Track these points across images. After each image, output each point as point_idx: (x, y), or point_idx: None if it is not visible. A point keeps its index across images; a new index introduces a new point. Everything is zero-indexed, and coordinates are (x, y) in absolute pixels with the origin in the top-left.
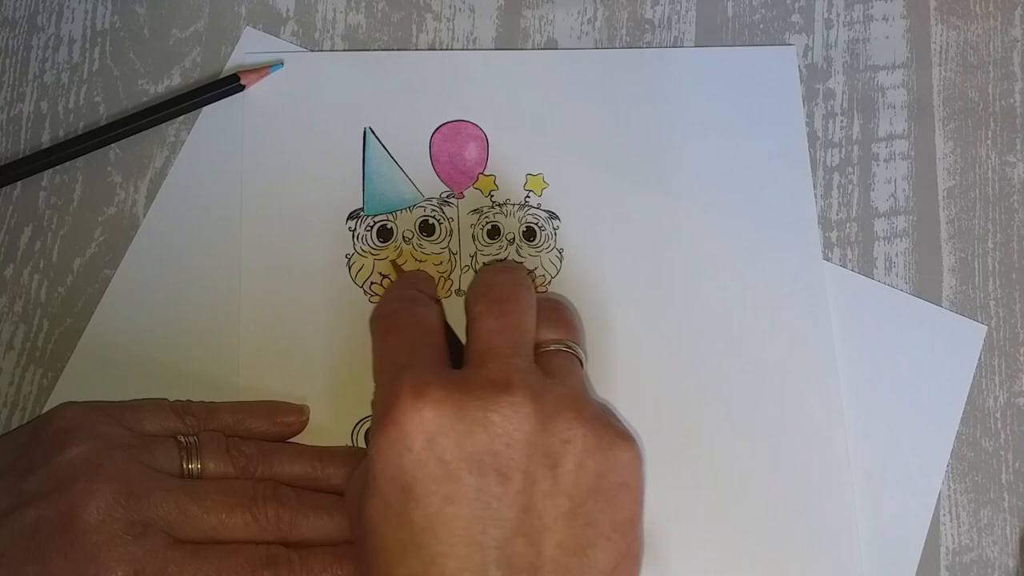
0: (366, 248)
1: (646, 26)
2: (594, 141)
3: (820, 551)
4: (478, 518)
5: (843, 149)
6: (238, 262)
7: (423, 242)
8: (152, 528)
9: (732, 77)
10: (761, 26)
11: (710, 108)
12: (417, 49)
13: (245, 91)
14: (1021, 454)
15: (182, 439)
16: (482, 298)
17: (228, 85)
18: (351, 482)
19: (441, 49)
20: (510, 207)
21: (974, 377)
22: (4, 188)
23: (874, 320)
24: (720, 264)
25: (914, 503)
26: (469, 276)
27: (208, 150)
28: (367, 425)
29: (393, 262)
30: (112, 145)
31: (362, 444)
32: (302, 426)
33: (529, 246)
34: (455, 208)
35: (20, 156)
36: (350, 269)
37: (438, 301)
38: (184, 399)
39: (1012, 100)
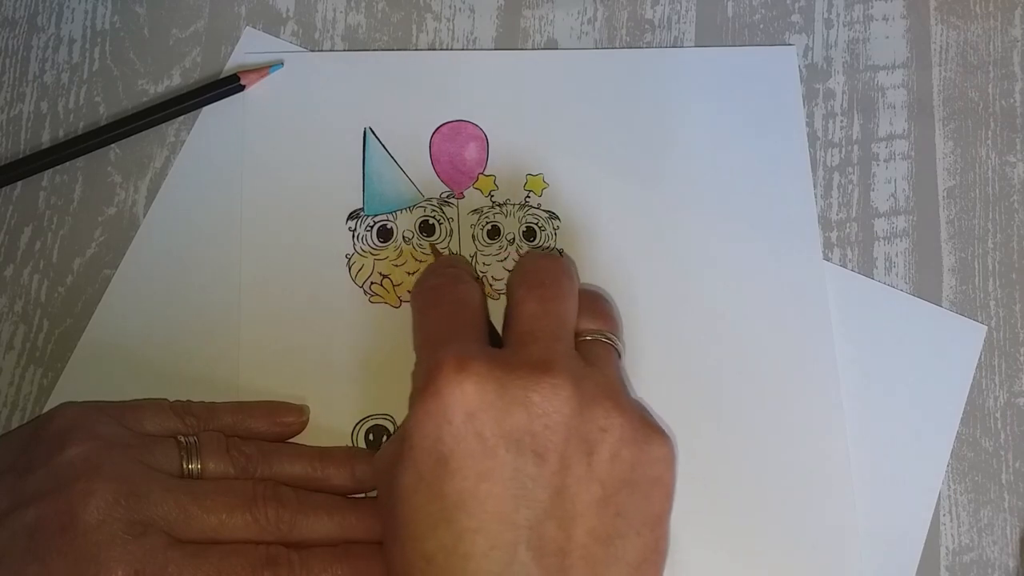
0: (366, 248)
1: (646, 26)
2: (594, 141)
3: (820, 551)
4: (511, 497)
5: (843, 149)
6: (238, 262)
7: (423, 242)
8: (152, 528)
9: (732, 77)
10: (761, 26)
11: (710, 108)
12: (417, 49)
13: (245, 91)
14: (1021, 454)
15: (182, 439)
16: (525, 283)
17: (228, 85)
18: (382, 453)
19: (441, 49)
20: (510, 207)
21: (974, 377)
22: (4, 188)
23: (874, 320)
24: (720, 264)
25: (914, 503)
26: None
27: (208, 150)
28: (367, 425)
29: (432, 245)
30: (112, 145)
31: (362, 444)
32: (302, 426)
33: (529, 246)
34: (455, 208)
35: (20, 156)
36: (350, 269)
37: (478, 280)
38: (184, 399)
39: (1012, 100)
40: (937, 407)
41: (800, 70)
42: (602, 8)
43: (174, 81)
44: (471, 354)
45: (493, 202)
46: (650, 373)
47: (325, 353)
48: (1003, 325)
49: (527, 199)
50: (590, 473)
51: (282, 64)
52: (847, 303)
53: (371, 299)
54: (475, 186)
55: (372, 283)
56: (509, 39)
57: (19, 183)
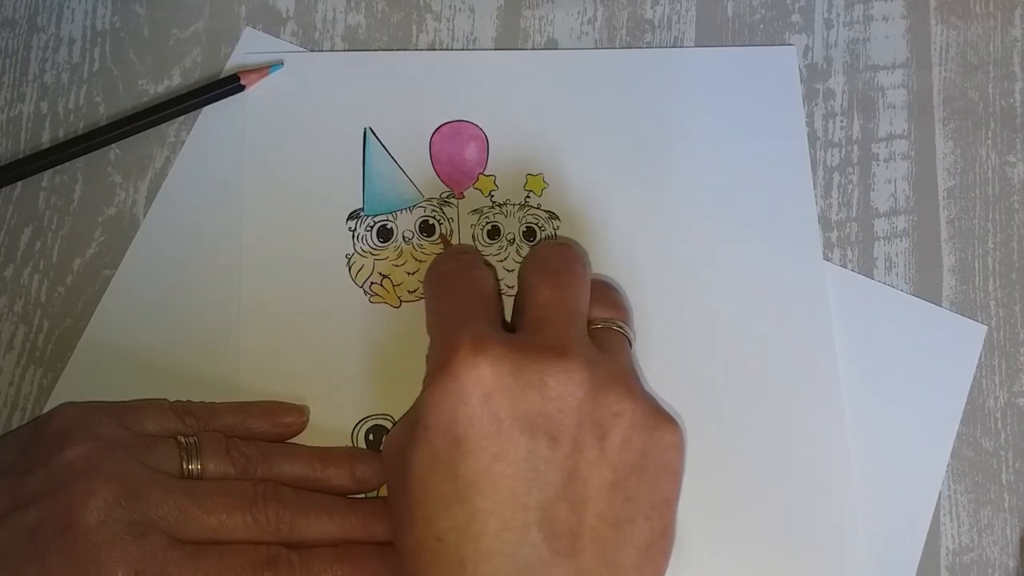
0: (366, 248)
1: (646, 26)
2: (594, 141)
3: (821, 550)
4: (524, 479)
5: (843, 149)
6: (238, 262)
7: (423, 242)
8: (152, 528)
9: (732, 77)
10: (761, 26)
11: (710, 108)
12: (417, 49)
13: (245, 91)
14: (1021, 454)
15: (182, 439)
16: (538, 270)
17: (228, 85)
18: (392, 436)
19: (441, 49)
20: (510, 207)
21: (974, 377)
22: (4, 188)
23: (874, 320)
24: (720, 264)
25: (914, 503)
26: None
27: (208, 150)
28: (367, 425)
29: (443, 235)
30: (112, 145)
31: (362, 444)
32: (302, 426)
33: (529, 246)
34: (455, 208)
35: (20, 156)
36: (350, 269)
37: (491, 266)
38: (184, 399)
39: (1012, 100)
40: (937, 407)
41: (800, 70)
42: (602, 8)
43: (174, 81)
44: (488, 336)
45: (493, 202)
46: (650, 372)
47: (325, 353)
48: (1003, 325)
49: (527, 199)
50: (602, 457)
51: (282, 64)
52: (847, 303)
53: (371, 299)
54: (475, 186)
55: (372, 283)
56: (509, 39)
57: (19, 183)
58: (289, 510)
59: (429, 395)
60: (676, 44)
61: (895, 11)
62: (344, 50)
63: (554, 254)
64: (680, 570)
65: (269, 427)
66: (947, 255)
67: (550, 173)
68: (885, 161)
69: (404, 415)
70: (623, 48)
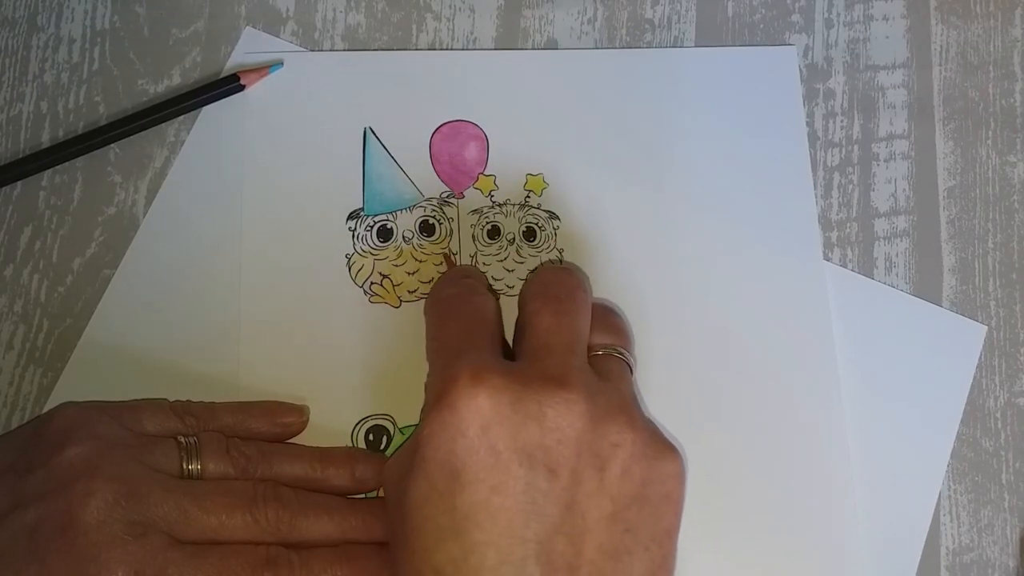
0: (366, 248)
1: (646, 26)
2: (594, 141)
3: (821, 551)
4: (522, 511)
5: (843, 149)
6: (238, 262)
7: (423, 242)
8: (152, 529)
9: (732, 77)
10: (761, 26)
11: (710, 108)
12: (417, 49)
13: (245, 91)
14: (1021, 454)
15: (182, 440)
16: (540, 295)
17: (228, 85)
18: (391, 463)
19: (441, 49)
20: (510, 207)
21: (974, 377)
22: (4, 188)
23: (874, 320)
24: (720, 264)
25: (914, 503)
26: None
27: (208, 150)
28: (367, 425)
29: (446, 254)
30: (112, 145)
31: (362, 444)
32: (302, 426)
33: (529, 246)
34: (455, 208)
35: (20, 156)
36: (350, 269)
37: (494, 292)
38: (184, 399)
39: (1012, 100)
40: (937, 407)
41: (800, 70)
42: (602, 8)
43: (174, 81)
44: (487, 366)
45: (493, 202)
46: (650, 372)
47: (325, 353)
48: (1003, 325)
49: (527, 199)
50: (601, 489)
51: (282, 64)
52: (847, 303)
53: (371, 299)
54: (475, 186)
55: (372, 283)
56: (509, 39)
57: (19, 183)
58: (289, 510)
59: (427, 426)
60: (676, 44)
61: (895, 11)
62: (344, 50)
63: (555, 279)
64: (681, 570)
65: (269, 427)
66: (947, 255)
67: (550, 173)
68: (885, 161)
69: (404, 442)
70: (623, 48)
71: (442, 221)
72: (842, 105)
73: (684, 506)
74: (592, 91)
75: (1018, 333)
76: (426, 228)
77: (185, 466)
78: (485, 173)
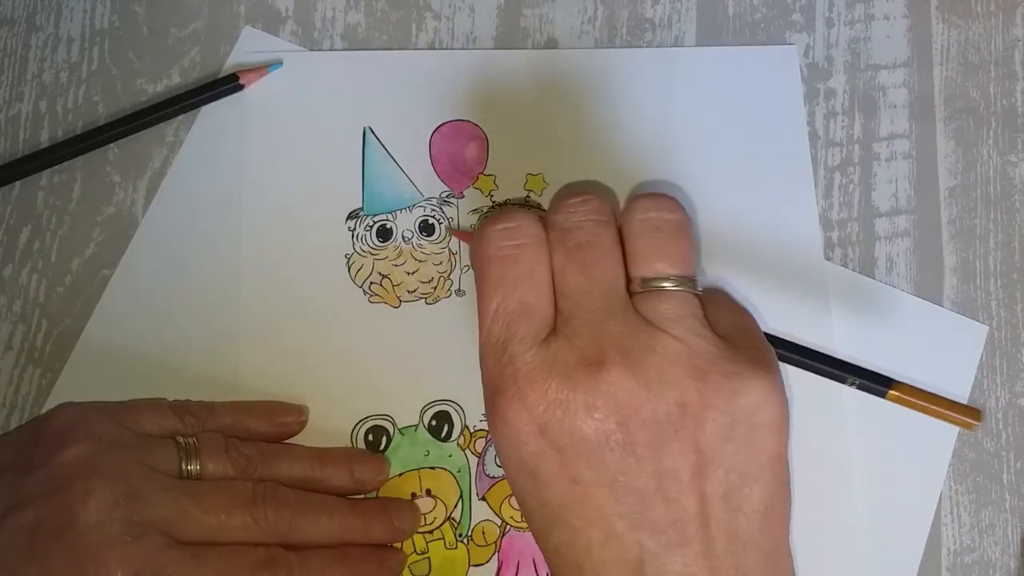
0: (366, 248)
1: (646, 25)
2: (594, 141)
3: (822, 551)
4: (610, 492)
5: (844, 149)
6: (237, 262)
7: (423, 242)
8: (151, 529)
9: (733, 77)
10: (762, 25)
11: (710, 108)
12: (417, 48)
13: (244, 91)
14: (1022, 455)
15: (181, 440)
16: (560, 245)
17: (227, 84)
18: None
19: (441, 49)
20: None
21: (975, 377)
22: (3, 188)
23: (875, 320)
24: (720, 264)
25: (915, 503)
26: (469, 276)
27: (207, 150)
28: (367, 425)
29: (452, 229)
30: (111, 145)
31: (362, 444)
32: (301, 426)
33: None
34: (455, 208)
35: (19, 156)
36: (349, 269)
37: (542, 218)
38: (183, 399)
39: (1013, 99)
40: None
41: (801, 69)
42: (602, 7)
43: (173, 80)
44: (529, 371)
45: (493, 202)
46: None
47: (325, 353)
48: (1004, 325)
49: (527, 199)
50: (684, 447)
51: (281, 63)
52: (848, 303)
53: (371, 299)
54: (475, 186)
55: (372, 283)
56: (509, 38)
57: (18, 183)
58: (289, 510)
59: (493, 432)
60: (676, 43)
61: (896, 10)
62: (343, 49)
63: (573, 224)
64: None
65: (268, 426)
66: (948, 255)
67: (550, 173)
68: (886, 161)
69: None
70: (623, 47)
71: (442, 221)
72: (843, 104)
73: (788, 419)
74: (592, 91)
75: (1019, 333)
76: (426, 228)
77: (184, 466)
78: (485, 173)
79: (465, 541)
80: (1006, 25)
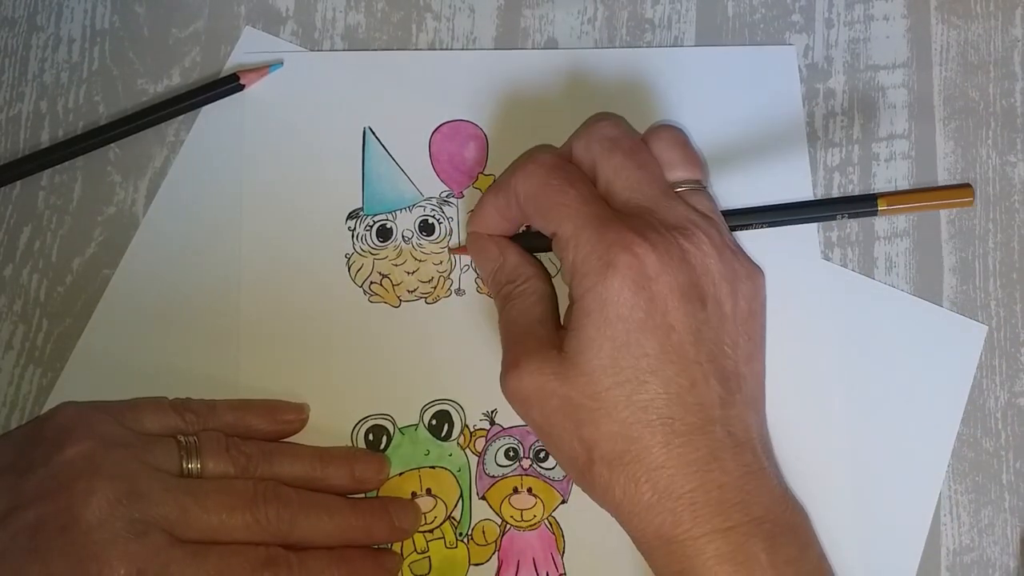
0: (366, 248)
1: (646, 25)
2: None
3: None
4: (692, 339)
5: (843, 149)
6: (238, 262)
7: (423, 242)
8: (153, 527)
9: (732, 77)
10: (761, 26)
11: (710, 108)
12: (417, 49)
13: (245, 91)
14: (1022, 454)
15: (182, 439)
16: (611, 150)
17: (228, 85)
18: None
19: (441, 49)
20: None
21: (975, 377)
22: (3, 188)
23: (874, 320)
24: None
25: (915, 503)
26: (469, 276)
27: (208, 150)
28: (367, 425)
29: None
30: (112, 145)
31: (362, 444)
32: (302, 424)
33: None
34: (455, 208)
35: (19, 156)
36: (349, 269)
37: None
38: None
39: (1013, 100)
40: (938, 407)
41: (800, 69)
42: (602, 7)
43: (173, 81)
44: (640, 228)
45: None
46: None
47: (325, 353)
48: (1004, 325)
49: None
50: (735, 309)
51: (282, 64)
52: (847, 303)
53: (371, 299)
54: (475, 185)
55: (372, 283)
56: (509, 39)
57: (18, 183)
58: (289, 509)
59: (607, 288)
60: (676, 44)
61: (895, 11)
62: (344, 49)
63: (615, 135)
64: None
65: (269, 424)
66: (948, 255)
67: None
68: (886, 161)
69: (569, 308)
70: (623, 47)
71: (442, 220)
72: (842, 105)
73: None
74: (592, 91)
75: (1019, 333)
76: (426, 228)
77: (185, 465)
78: (485, 173)
79: (465, 540)
80: (1005, 25)
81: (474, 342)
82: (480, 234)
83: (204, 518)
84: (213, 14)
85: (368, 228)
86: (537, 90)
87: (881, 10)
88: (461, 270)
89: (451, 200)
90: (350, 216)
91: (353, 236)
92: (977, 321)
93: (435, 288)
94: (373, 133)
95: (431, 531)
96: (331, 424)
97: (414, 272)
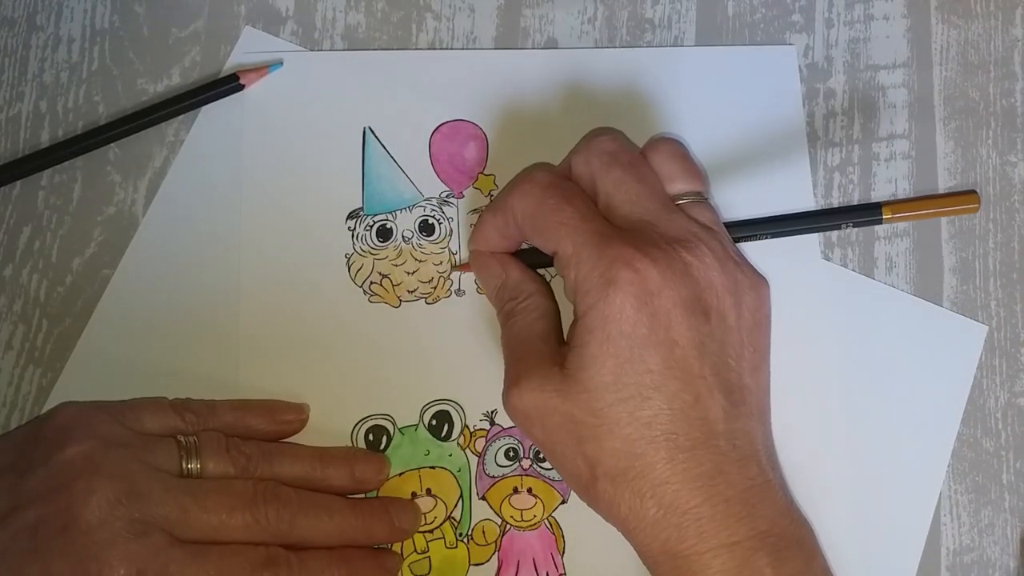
0: (365, 248)
1: (646, 25)
2: None
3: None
4: (696, 353)
5: (843, 149)
6: (237, 262)
7: (423, 242)
8: (153, 527)
9: (732, 76)
10: (761, 25)
11: (710, 108)
12: (417, 49)
13: (244, 90)
14: (1022, 454)
15: (182, 439)
16: (610, 165)
17: (227, 84)
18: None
19: (441, 49)
20: None
21: (975, 377)
22: (3, 188)
23: (874, 320)
24: None
25: (915, 503)
26: (469, 276)
27: (207, 150)
28: (367, 425)
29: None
30: (111, 145)
31: (362, 444)
32: (302, 425)
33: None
34: (455, 208)
35: (19, 156)
36: (349, 269)
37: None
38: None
39: (1013, 100)
40: (938, 407)
41: (800, 69)
42: (602, 7)
43: (173, 80)
44: (641, 244)
45: None
46: None
47: (325, 353)
48: (1004, 325)
49: None
50: (739, 320)
51: (281, 64)
52: (847, 303)
53: (371, 299)
54: (475, 186)
55: (372, 283)
56: (509, 38)
57: (18, 183)
58: (289, 510)
59: (609, 305)
60: (676, 43)
61: (896, 10)
62: (344, 49)
63: (613, 147)
64: None
65: (269, 424)
66: (948, 255)
67: None
68: (886, 161)
69: (573, 325)
70: (623, 47)
71: (442, 221)
72: (842, 105)
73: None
74: (592, 91)
75: (1019, 333)
76: (426, 228)
77: (185, 465)
78: (485, 173)
79: (465, 540)
80: (1006, 25)
81: (474, 342)
82: (482, 252)
83: (204, 518)
84: (213, 14)
85: (368, 228)
86: (537, 90)
87: (881, 10)
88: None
89: (451, 200)
90: (350, 216)
91: (353, 236)
92: (977, 321)
93: (435, 288)
94: (373, 133)
95: (431, 531)
96: (331, 424)
97: (414, 272)
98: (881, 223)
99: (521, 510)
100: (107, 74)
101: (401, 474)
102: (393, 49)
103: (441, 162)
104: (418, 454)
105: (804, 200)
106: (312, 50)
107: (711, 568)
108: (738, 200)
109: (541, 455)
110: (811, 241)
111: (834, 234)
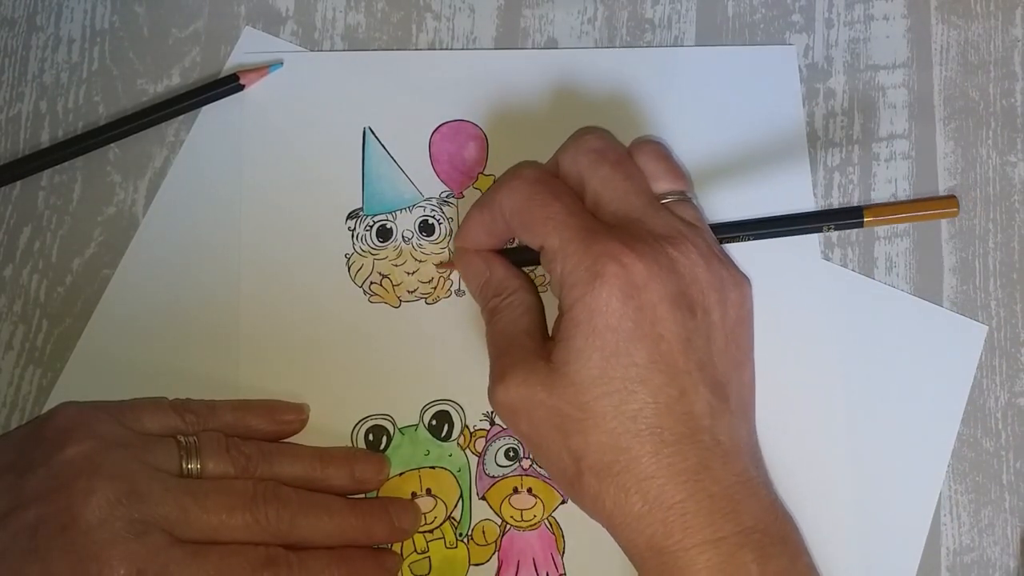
0: (365, 248)
1: (646, 25)
2: None
3: (821, 551)
4: (682, 348)
5: (843, 149)
6: (238, 262)
7: (423, 242)
8: (153, 527)
9: (732, 77)
10: (761, 25)
11: (710, 108)
12: (417, 49)
13: (244, 91)
14: (1022, 454)
15: (182, 439)
16: (598, 163)
17: (227, 85)
18: (557, 333)
19: (441, 49)
20: None
21: (975, 377)
22: (3, 188)
23: (874, 320)
24: None
25: (915, 503)
26: None
27: (207, 150)
28: (367, 425)
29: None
30: (111, 145)
31: (362, 444)
32: (302, 425)
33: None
34: (455, 208)
35: (19, 156)
36: (349, 269)
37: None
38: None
39: (1013, 100)
40: (938, 407)
41: (800, 69)
42: (602, 7)
43: (173, 81)
44: (628, 238)
45: None
46: None
47: (325, 353)
48: (1004, 325)
49: None
50: (723, 317)
51: (281, 64)
52: (847, 303)
53: (371, 299)
54: (475, 186)
55: (372, 283)
56: (509, 39)
57: (18, 183)
58: (289, 510)
59: (595, 298)
60: (676, 43)
61: (896, 10)
62: (344, 50)
63: (600, 146)
64: None
65: (269, 424)
66: (948, 255)
67: None
68: (886, 161)
69: (557, 320)
70: (623, 47)
71: (442, 221)
72: (842, 105)
73: None
74: (592, 91)
75: (1019, 333)
76: (426, 228)
77: (185, 465)
78: (485, 173)
79: (465, 540)
80: (1006, 25)
81: (474, 342)
82: (467, 249)
83: (204, 518)
84: (213, 14)
85: (368, 228)
86: (537, 90)
87: (881, 10)
88: None
89: (451, 200)
90: (350, 216)
91: (353, 236)
92: (977, 321)
93: (435, 288)
94: (373, 133)
95: (431, 531)
96: (331, 424)
97: (414, 272)
98: (862, 226)
99: (521, 510)
100: (107, 74)
101: (401, 474)
102: (393, 49)
103: (441, 162)
104: (418, 454)
105: (804, 200)
106: (312, 50)
107: (696, 564)
108: (738, 200)
109: None
110: (811, 241)
111: (834, 234)
